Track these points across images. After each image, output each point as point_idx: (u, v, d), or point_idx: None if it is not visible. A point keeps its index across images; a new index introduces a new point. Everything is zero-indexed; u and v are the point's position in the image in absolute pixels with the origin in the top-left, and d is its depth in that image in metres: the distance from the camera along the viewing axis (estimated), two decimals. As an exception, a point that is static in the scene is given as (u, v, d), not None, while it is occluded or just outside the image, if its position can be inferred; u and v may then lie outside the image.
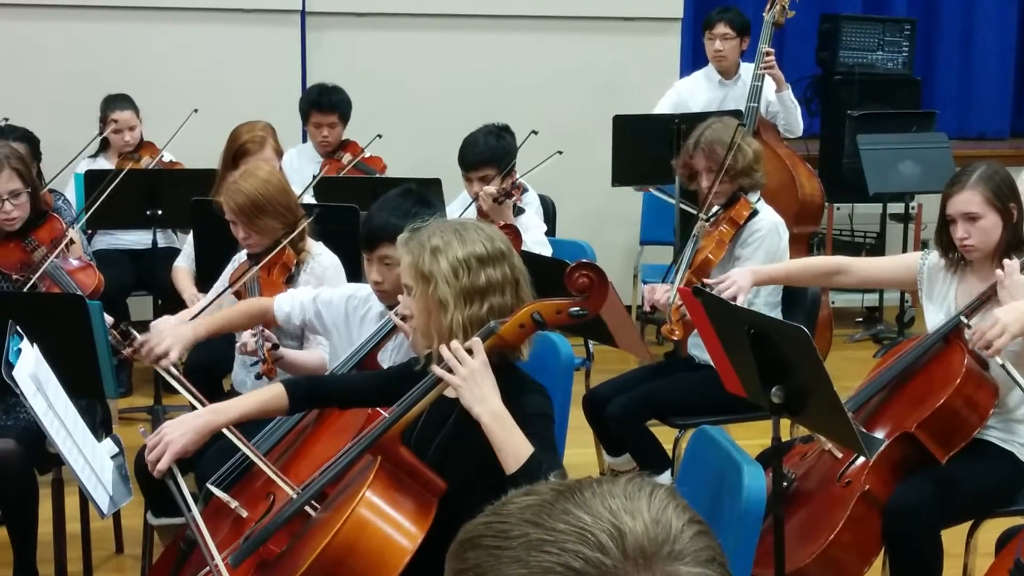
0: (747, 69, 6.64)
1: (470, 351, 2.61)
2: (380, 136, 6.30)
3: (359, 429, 2.94)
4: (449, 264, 2.70)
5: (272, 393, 3.01)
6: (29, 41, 6.90)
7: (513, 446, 2.55)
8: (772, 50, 6.50)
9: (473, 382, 2.59)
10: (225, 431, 3.12)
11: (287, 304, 3.81)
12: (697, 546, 1.14)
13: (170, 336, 3.57)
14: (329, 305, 3.79)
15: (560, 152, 5.21)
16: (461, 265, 2.70)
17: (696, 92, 6.79)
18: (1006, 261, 3.57)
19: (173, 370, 3.49)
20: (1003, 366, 3.37)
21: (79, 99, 6.61)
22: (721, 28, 6.68)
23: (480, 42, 7.41)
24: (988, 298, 3.61)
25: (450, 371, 2.62)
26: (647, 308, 4.61)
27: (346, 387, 3.00)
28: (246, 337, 4.02)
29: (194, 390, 3.38)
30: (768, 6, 6.59)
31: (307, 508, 2.87)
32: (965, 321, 3.58)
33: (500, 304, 2.71)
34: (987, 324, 3.39)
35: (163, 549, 3.95)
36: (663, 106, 6.73)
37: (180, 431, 2.90)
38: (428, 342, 2.78)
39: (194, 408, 3.21)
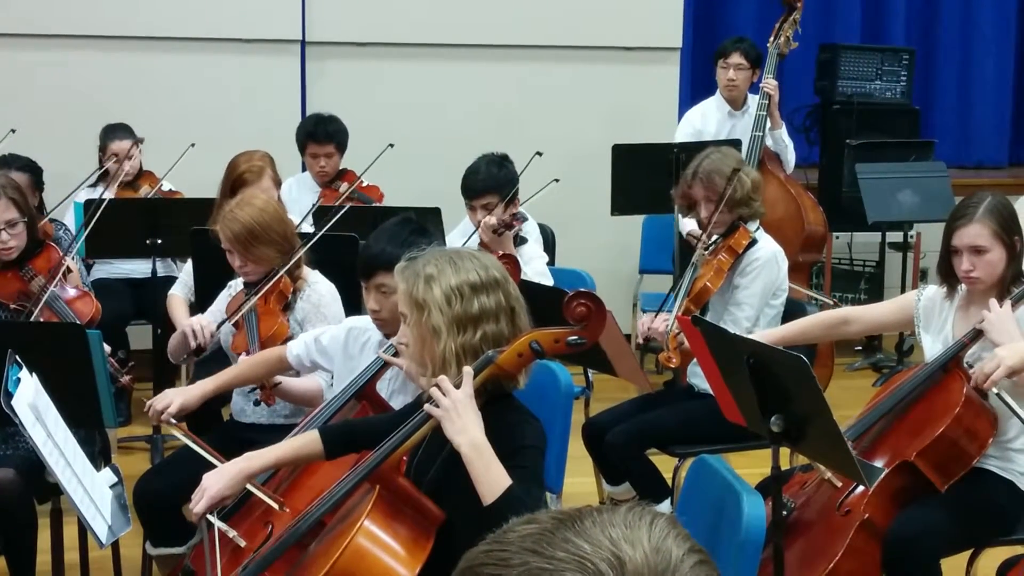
0: (755, 100, 6.69)
1: (459, 383, 2.61)
2: (392, 145, 6.26)
3: (357, 458, 2.93)
4: (442, 292, 2.71)
5: (307, 440, 3.05)
6: (30, 71, 6.91)
7: (490, 478, 2.54)
8: (775, 82, 6.56)
9: (455, 413, 2.58)
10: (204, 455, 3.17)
11: (296, 348, 3.83)
12: (697, 575, 1.13)
13: (172, 392, 3.64)
14: (332, 341, 3.79)
15: (557, 180, 5.22)
16: (454, 293, 2.71)
17: (708, 121, 6.82)
18: (992, 302, 3.58)
19: (175, 423, 3.56)
20: (999, 395, 3.40)
21: (80, 129, 6.61)
22: (736, 58, 6.73)
23: (480, 72, 7.42)
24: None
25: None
26: (641, 340, 4.63)
27: (376, 429, 2.98)
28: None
29: (204, 444, 3.45)
30: (772, 36, 6.65)
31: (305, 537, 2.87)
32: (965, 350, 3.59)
33: (494, 332, 2.72)
34: (986, 361, 3.43)
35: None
36: (680, 138, 6.73)
37: (216, 478, 2.96)
38: (423, 370, 2.79)
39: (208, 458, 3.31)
